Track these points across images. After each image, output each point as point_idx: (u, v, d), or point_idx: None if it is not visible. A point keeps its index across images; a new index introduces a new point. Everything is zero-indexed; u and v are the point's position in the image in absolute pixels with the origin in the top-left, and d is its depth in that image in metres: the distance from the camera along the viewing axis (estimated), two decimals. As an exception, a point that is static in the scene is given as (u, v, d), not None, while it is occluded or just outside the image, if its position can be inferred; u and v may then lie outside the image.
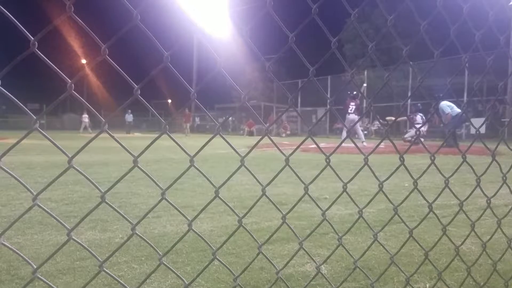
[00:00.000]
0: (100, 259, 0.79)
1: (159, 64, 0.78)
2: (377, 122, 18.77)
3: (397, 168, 1.11)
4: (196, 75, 33.90)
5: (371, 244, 1.21)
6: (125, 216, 0.80)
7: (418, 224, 1.27)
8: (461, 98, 16.14)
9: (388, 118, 13.23)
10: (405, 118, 13.85)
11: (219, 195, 0.89)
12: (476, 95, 14.99)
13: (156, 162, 5.83)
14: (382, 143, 1.17)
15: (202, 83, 0.96)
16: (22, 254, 0.73)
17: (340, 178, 1.06)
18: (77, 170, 0.72)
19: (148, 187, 3.54)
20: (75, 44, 35.76)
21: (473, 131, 1.80)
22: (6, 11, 0.64)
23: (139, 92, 0.76)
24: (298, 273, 1.64)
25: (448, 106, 9.77)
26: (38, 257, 1.77)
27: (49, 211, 0.72)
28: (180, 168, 5.18)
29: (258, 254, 0.99)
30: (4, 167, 0.66)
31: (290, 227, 1.03)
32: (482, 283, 1.48)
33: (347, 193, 1.05)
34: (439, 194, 1.22)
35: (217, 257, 0.92)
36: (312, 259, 1.16)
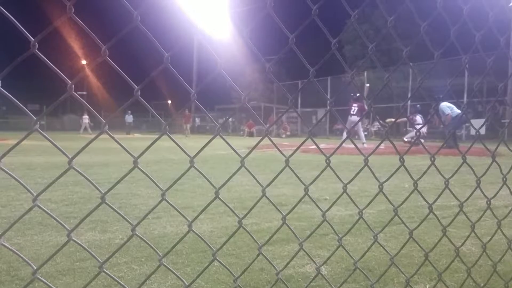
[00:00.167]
0: (100, 260, 0.79)
1: (159, 65, 0.79)
2: (377, 123, 18.77)
3: (397, 169, 1.11)
4: (196, 76, 33.93)
5: (371, 245, 1.21)
6: (125, 217, 0.80)
7: (418, 225, 1.27)
8: (461, 99, 16.14)
9: (388, 120, 13.24)
10: (405, 119, 13.85)
11: (219, 196, 0.89)
12: (476, 96, 14.99)
13: (156, 163, 5.83)
14: (382, 144, 1.17)
15: (202, 84, 0.97)
16: (22, 255, 0.73)
17: (340, 179, 1.06)
18: (77, 171, 0.72)
19: (148, 188, 3.54)
20: (76, 45, 35.80)
21: (473, 132, 1.80)
22: (6, 12, 0.64)
23: (139, 93, 0.77)
24: (298, 274, 1.64)
25: (448, 107, 9.77)
26: (38, 258, 1.77)
27: (49, 212, 0.72)
28: (180, 169, 5.18)
29: (258, 255, 0.99)
30: (4, 168, 0.66)
31: (290, 228, 1.03)
32: (482, 284, 1.48)
33: (347, 194, 1.05)
34: (439, 195, 1.21)
35: (217, 258, 0.92)
36: (312, 260, 1.16)
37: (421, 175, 1.20)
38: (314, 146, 1.09)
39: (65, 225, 0.75)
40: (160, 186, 0.81)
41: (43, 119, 21.33)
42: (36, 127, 0.67)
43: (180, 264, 1.74)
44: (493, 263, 1.41)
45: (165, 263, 0.86)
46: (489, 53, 1.23)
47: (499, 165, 1.30)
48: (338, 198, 1.10)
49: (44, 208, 0.71)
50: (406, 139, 11.72)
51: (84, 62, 35.91)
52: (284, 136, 22.35)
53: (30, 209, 0.71)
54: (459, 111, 9.49)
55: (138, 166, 0.76)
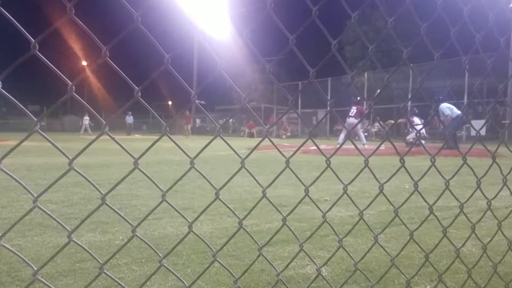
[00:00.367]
0: (100, 261, 0.79)
1: (159, 66, 0.79)
2: (377, 124, 18.78)
3: (398, 170, 1.11)
4: (197, 77, 33.95)
5: (372, 246, 1.21)
6: (125, 218, 0.80)
7: (419, 226, 1.27)
8: (462, 100, 16.13)
9: (388, 122, 13.26)
10: (404, 120, 13.86)
11: (220, 197, 0.89)
12: (476, 97, 14.99)
13: (157, 164, 5.83)
14: (382, 145, 1.17)
15: (203, 85, 0.97)
16: (22, 256, 0.73)
17: (340, 180, 1.06)
18: (78, 172, 0.72)
19: (149, 189, 3.54)
20: (76, 46, 35.89)
21: (473, 133, 1.80)
22: (7, 13, 0.65)
23: (139, 94, 0.77)
24: (299, 275, 1.64)
25: (448, 108, 9.76)
26: (39, 259, 1.77)
27: (50, 213, 0.72)
28: (181, 170, 5.18)
29: (258, 256, 0.99)
30: (4, 169, 0.66)
31: (290, 229, 1.03)
32: (482, 285, 1.48)
33: (347, 195, 1.05)
34: (440, 196, 1.21)
35: (217, 259, 0.92)
36: (313, 261, 1.16)
37: (421, 176, 1.20)
38: (315, 147, 1.09)
39: (65, 226, 0.75)
40: (160, 187, 0.81)
41: (43, 120, 21.35)
42: (36, 128, 0.67)
43: (181, 265, 1.74)
44: (494, 264, 1.41)
45: (165, 264, 0.86)
46: (489, 54, 1.23)
47: (499, 166, 1.30)
48: (339, 199, 1.09)
49: (45, 209, 0.71)
50: (409, 139, 11.73)
51: (84, 63, 35.98)
52: (284, 137, 22.35)
53: (31, 210, 0.71)
54: (459, 112, 9.49)
55: (139, 167, 0.76)
